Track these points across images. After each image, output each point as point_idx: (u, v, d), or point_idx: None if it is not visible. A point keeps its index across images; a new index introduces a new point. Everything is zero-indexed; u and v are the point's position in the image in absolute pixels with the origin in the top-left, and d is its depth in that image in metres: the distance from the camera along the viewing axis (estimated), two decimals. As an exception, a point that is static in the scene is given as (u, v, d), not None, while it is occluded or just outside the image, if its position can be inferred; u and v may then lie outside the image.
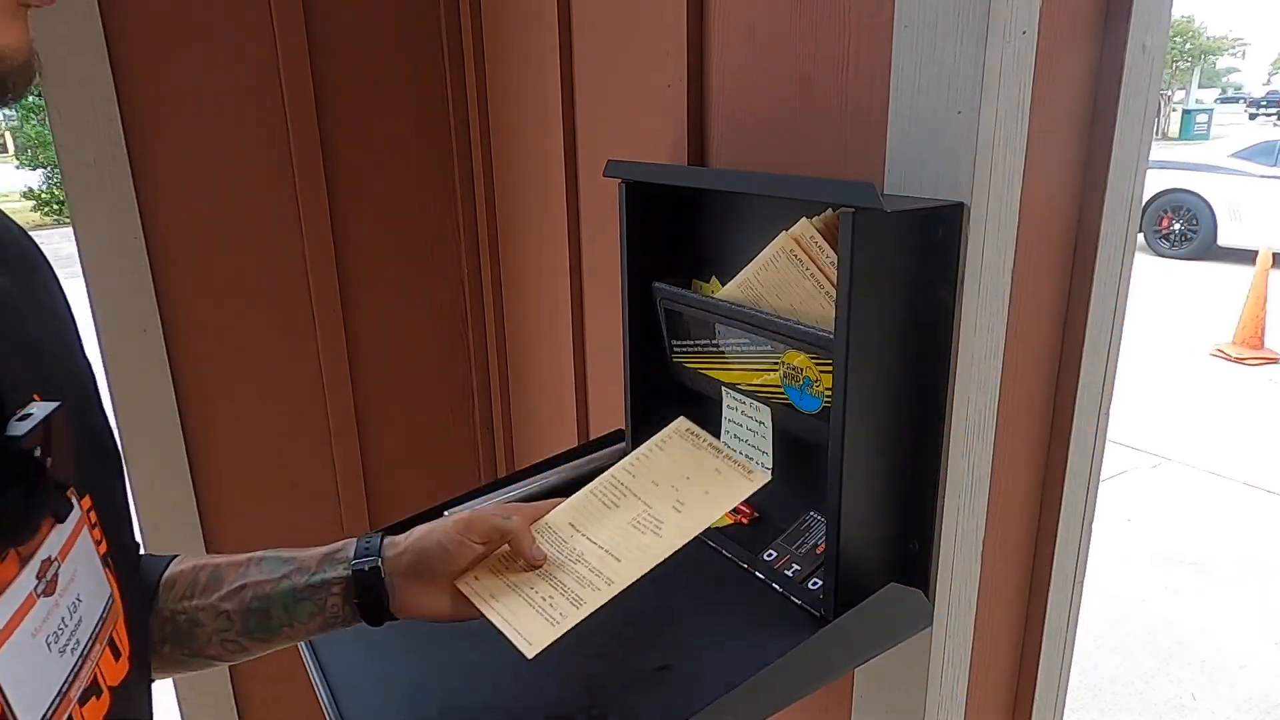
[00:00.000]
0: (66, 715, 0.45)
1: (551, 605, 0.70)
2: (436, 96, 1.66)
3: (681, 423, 0.85)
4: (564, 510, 0.81)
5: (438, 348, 1.79)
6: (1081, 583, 0.97)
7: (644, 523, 0.76)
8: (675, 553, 0.73)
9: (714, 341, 0.97)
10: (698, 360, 1.01)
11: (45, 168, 15.85)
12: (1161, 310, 7.84)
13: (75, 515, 0.49)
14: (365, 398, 1.72)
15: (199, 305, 1.53)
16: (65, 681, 0.46)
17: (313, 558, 0.73)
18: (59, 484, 0.46)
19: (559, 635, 0.68)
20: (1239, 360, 6.67)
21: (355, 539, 0.75)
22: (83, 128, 1.34)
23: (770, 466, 0.94)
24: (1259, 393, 6.09)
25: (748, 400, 0.95)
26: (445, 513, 1.05)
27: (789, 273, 0.85)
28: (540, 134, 1.46)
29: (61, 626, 0.46)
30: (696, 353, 1.01)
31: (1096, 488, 0.94)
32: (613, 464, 1.13)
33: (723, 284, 0.96)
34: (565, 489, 1.11)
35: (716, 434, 1.01)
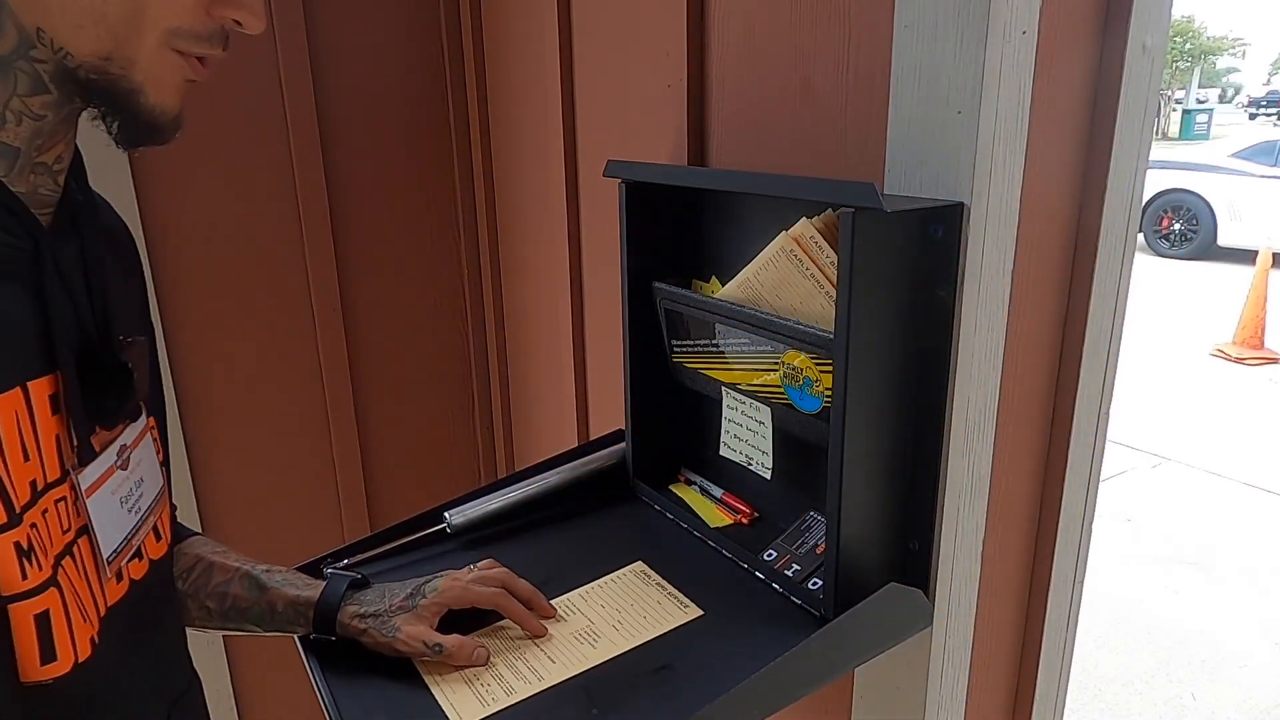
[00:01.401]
0: (128, 556, 0.63)
1: (486, 689, 0.80)
2: (436, 96, 1.66)
3: (638, 565, 0.97)
4: None
5: (438, 348, 1.79)
6: (1081, 583, 0.97)
7: (583, 635, 0.86)
8: (605, 662, 0.82)
9: (714, 341, 0.97)
10: (698, 360, 1.01)
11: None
12: (1161, 310, 7.84)
13: (143, 422, 0.67)
14: (365, 398, 1.72)
15: (199, 305, 1.53)
16: (129, 534, 0.63)
17: (281, 599, 0.85)
18: (136, 394, 0.64)
19: (487, 714, 0.77)
20: (1239, 360, 6.67)
21: (323, 588, 0.86)
22: (83, 127, 1.33)
23: (770, 466, 0.94)
24: (1259, 393, 6.09)
25: (748, 400, 0.95)
26: (446, 514, 1.05)
27: (789, 272, 0.85)
28: (540, 134, 1.46)
29: (130, 493, 0.63)
30: (696, 353, 1.01)
31: (1096, 488, 0.94)
32: (612, 464, 1.14)
33: (723, 284, 0.96)
34: (565, 489, 1.11)
35: (717, 435, 1.01)
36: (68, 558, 0.57)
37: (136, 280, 0.77)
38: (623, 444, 1.15)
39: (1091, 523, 0.94)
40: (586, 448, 1.17)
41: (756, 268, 0.88)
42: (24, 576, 0.51)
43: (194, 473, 1.58)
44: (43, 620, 0.52)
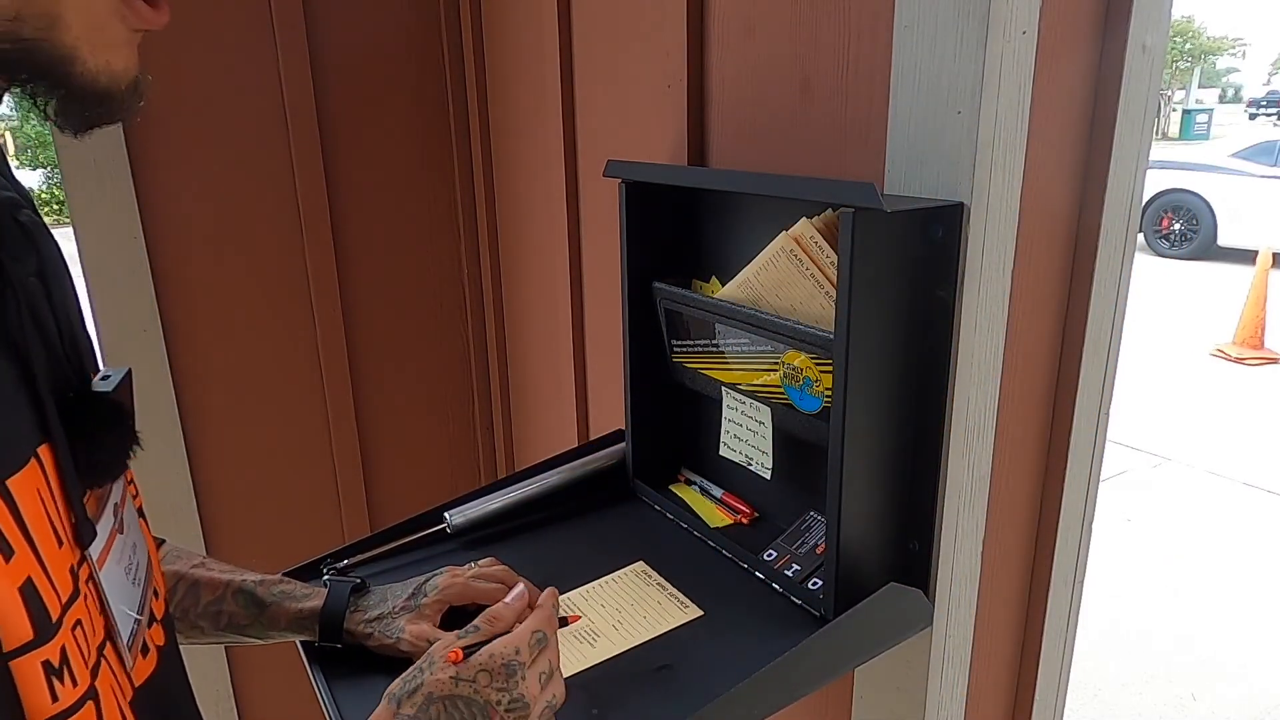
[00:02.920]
0: (143, 635, 0.53)
1: None
2: (436, 96, 1.66)
3: (639, 566, 0.96)
4: None
5: (438, 348, 1.79)
6: (1081, 583, 0.97)
7: (583, 635, 0.86)
8: (605, 662, 0.82)
9: (714, 341, 0.97)
10: (698, 360, 1.01)
11: (45, 168, 15.84)
12: (1161, 310, 7.84)
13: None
14: (365, 398, 1.72)
15: (199, 305, 1.53)
16: (139, 606, 0.53)
17: (284, 615, 0.83)
18: (135, 437, 0.52)
19: None
20: (1239, 360, 6.67)
21: (326, 596, 0.84)
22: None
23: (770, 466, 0.94)
24: (1259, 393, 6.09)
25: (748, 400, 0.95)
26: (446, 514, 1.05)
27: (789, 272, 0.85)
28: (540, 134, 1.46)
29: (131, 560, 0.53)
30: (696, 353, 1.01)
31: (1096, 488, 0.94)
32: (612, 464, 1.14)
33: (723, 284, 0.96)
34: (565, 489, 1.11)
35: (717, 435, 1.01)
36: (109, 645, 0.48)
37: (72, 284, 0.60)
38: (623, 444, 1.15)
39: (1091, 523, 0.94)
40: (586, 448, 1.17)
41: (756, 268, 0.88)
42: (54, 698, 0.42)
43: (194, 473, 1.58)
44: None
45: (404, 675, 0.65)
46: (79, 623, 0.44)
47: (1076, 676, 1.04)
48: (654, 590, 0.92)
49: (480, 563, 0.91)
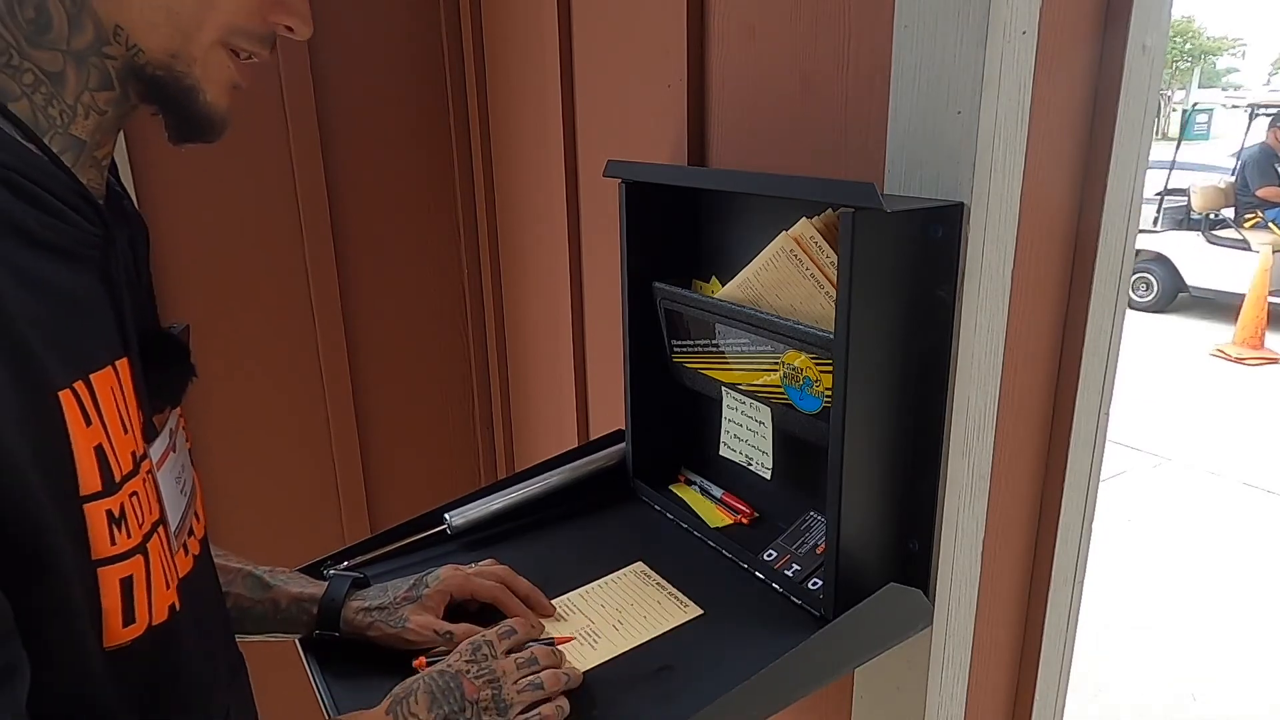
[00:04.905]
0: (185, 535, 0.65)
1: None
2: (437, 97, 1.66)
3: (638, 566, 0.96)
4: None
5: (438, 348, 1.79)
6: (1081, 583, 0.97)
7: (584, 635, 0.86)
8: (604, 663, 0.82)
9: (714, 341, 0.97)
10: (698, 360, 1.01)
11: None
12: (1161, 310, 7.84)
13: (177, 410, 0.68)
14: (365, 398, 1.72)
15: (199, 305, 1.53)
16: (184, 512, 0.65)
17: (285, 597, 0.87)
18: (193, 374, 0.67)
19: None
20: (1239, 360, 6.67)
21: (327, 586, 0.88)
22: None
23: (770, 466, 0.94)
24: (1259, 393, 6.09)
25: (748, 400, 0.95)
26: (446, 515, 1.05)
27: (789, 273, 0.85)
28: (540, 134, 1.46)
29: (180, 475, 0.65)
30: (696, 353, 1.01)
31: (1096, 488, 0.94)
32: (613, 464, 1.14)
33: (723, 284, 0.96)
34: (565, 489, 1.11)
35: (717, 435, 1.01)
36: (161, 526, 0.59)
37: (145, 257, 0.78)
38: (623, 444, 1.15)
39: (1091, 523, 0.94)
40: (586, 448, 1.17)
41: (756, 268, 0.88)
42: (113, 542, 0.53)
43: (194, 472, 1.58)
44: (126, 584, 0.54)
45: (403, 682, 0.74)
46: (135, 494, 0.55)
47: (1076, 676, 1.04)
48: (653, 590, 0.92)
49: (481, 563, 0.92)
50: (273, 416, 1.65)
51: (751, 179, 0.92)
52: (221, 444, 1.60)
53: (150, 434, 0.60)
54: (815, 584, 0.87)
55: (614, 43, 1.25)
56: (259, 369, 1.61)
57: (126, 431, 0.55)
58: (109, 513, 0.53)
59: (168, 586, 0.59)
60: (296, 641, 0.88)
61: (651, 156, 1.17)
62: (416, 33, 1.62)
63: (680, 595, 0.91)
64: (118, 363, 0.56)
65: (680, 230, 1.05)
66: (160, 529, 0.59)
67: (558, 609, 0.90)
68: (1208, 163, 9.94)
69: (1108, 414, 0.91)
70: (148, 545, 0.56)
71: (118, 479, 0.54)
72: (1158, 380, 6.18)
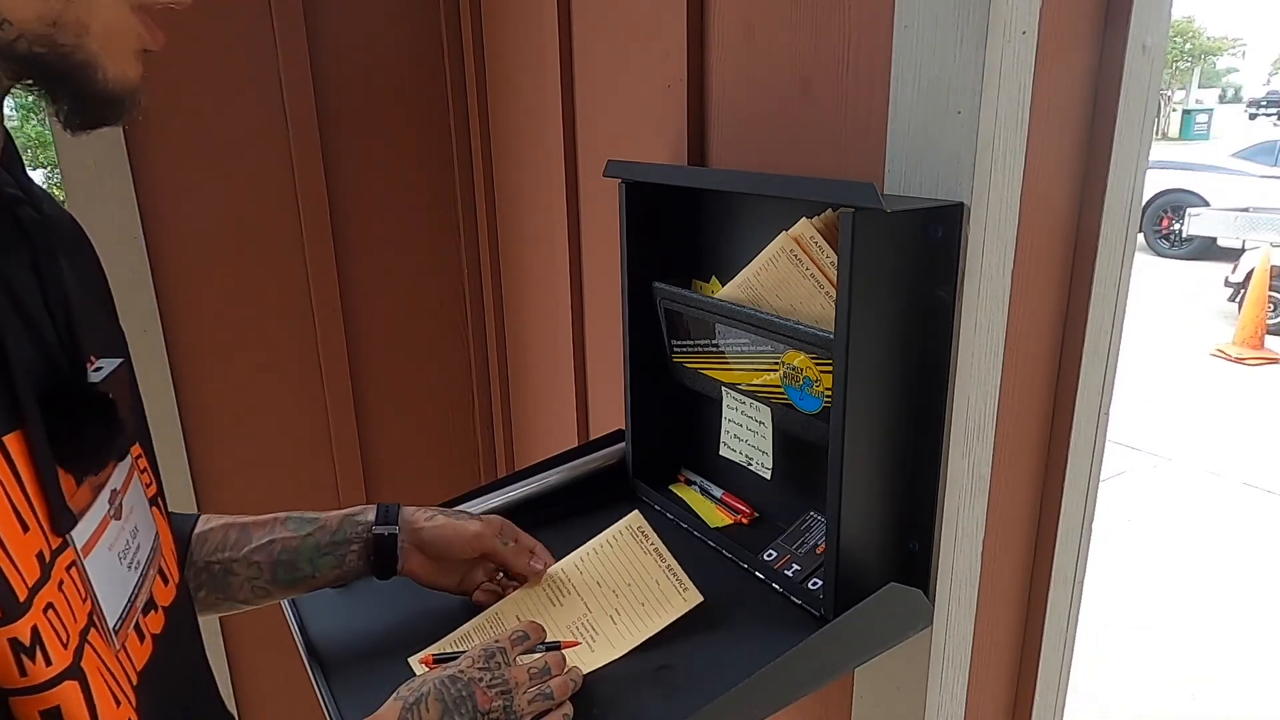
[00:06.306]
0: (134, 620, 0.54)
1: None
2: (436, 97, 1.66)
3: (635, 518, 0.92)
4: (511, 601, 0.89)
5: (438, 348, 1.79)
6: (1081, 583, 0.97)
7: (580, 628, 0.85)
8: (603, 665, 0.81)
9: (714, 341, 0.97)
10: (698, 360, 1.01)
11: (45, 168, 15.85)
12: (1161, 310, 7.84)
13: (129, 459, 0.58)
14: (365, 398, 1.72)
15: (199, 305, 1.53)
16: (133, 592, 0.54)
17: (334, 518, 0.85)
18: (124, 430, 0.54)
19: None
20: (1239, 360, 6.67)
21: (375, 505, 0.86)
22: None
23: (770, 466, 0.94)
24: (1259, 393, 6.09)
25: (748, 400, 0.95)
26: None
27: (789, 273, 0.85)
28: (540, 134, 1.46)
29: (127, 546, 0.55)
30: (696, 353, 1.01)
31: (1096, 488, 0.94)
32: (612, 464, 1.14)
33: (723, 284, 0.96)
34: (565, 489, 1.11)
35: (717, 435, 1.01)
36: (93, 630, 0.49)
37: (96, 277, 0.66)
38: (623, 444, 1.15)
39: (1091, 523, 0.94)
40: (586, 448, 1.17)
41: (756, 268, 0.88)
42: (23, 673, 0.43)
43: (194, 474, 1.58)
44: (51, 718, 0.44)
45: (409, 681, 0.71)
46: (51, 605, 0.45)
47: (1076, 676, 1.04)
48: (650, 562, 0.89)
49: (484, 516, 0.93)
50: (273, 416, 1.65)
51: (751, 179, 0.92)
52: (222, 444, 1.60)
53: (64, 516, 0.47)
54: (815, 584, 0.87)
55: (614, 43, 1.25)
56: (259, 369, 1.61)
57: (27, 530, 0.44)
58: (14, 641, 0.42)
59: (118, 703, 0.49)
60: (296, 640, 0.88)
61: (651, 157, 1.17)
62: (416, 32, 1.62)
63: (677, 570, 0.87)
64: (6, 438, 0.43)
65: (680, 230, 1.05)
66: (92, 635, 0.48)
67: (551, 585, 0.90)
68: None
69: (1108, 414, 0.91)
70: (82, 664, 0.46)
71: (22, 598, 0.42)
72: (1158, 380, 6.18)
